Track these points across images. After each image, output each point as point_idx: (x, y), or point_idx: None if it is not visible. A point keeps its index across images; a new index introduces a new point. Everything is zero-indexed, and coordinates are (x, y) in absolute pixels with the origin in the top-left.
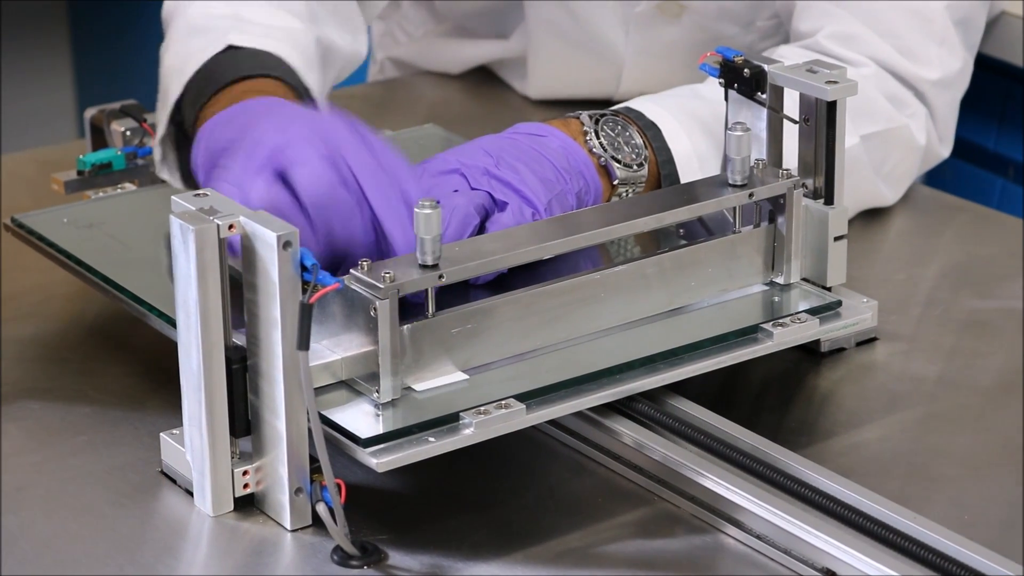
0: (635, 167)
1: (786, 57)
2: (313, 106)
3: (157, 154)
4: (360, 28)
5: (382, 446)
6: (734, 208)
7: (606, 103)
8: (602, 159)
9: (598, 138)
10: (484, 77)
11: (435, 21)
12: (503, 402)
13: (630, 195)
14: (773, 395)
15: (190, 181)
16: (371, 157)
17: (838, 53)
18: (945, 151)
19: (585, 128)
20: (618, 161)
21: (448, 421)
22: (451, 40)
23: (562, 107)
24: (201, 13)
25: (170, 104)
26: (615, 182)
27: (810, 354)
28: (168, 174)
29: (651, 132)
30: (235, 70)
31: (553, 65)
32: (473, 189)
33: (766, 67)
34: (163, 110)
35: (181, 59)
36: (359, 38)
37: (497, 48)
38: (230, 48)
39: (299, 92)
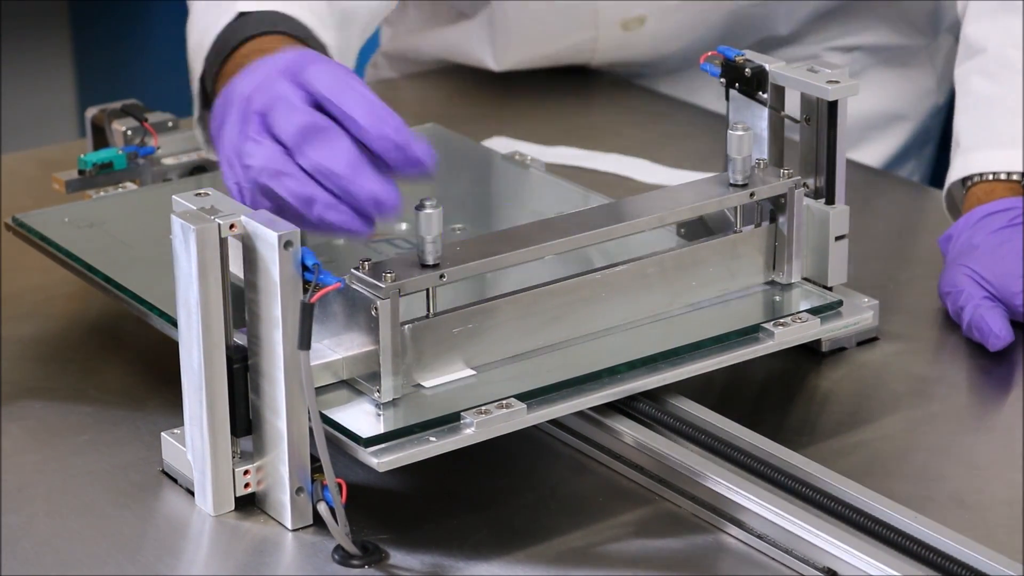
0: None
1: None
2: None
3: (199, 135)
4: None
5: (383, 446)
6: (735, 208)
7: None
8: None
9: None
10: (487, 75)
11: (400, 7)
12: (504, 402)
13: None
14: (774, 395)
15: None
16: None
17: None
18: None
19: None
20: None
21: (449, 421)
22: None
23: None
24: None
25: (195, 83)
26: None
27: (811, 354)
28: (207, 152)
29: None
30: (241, 34)
31: (522, 29)
32: None
33: (767, 66)
34: (194, 90)
35: (200, 34)
36: None
37: (463, 27)
38: (241, 15)
39: (307, 43)
